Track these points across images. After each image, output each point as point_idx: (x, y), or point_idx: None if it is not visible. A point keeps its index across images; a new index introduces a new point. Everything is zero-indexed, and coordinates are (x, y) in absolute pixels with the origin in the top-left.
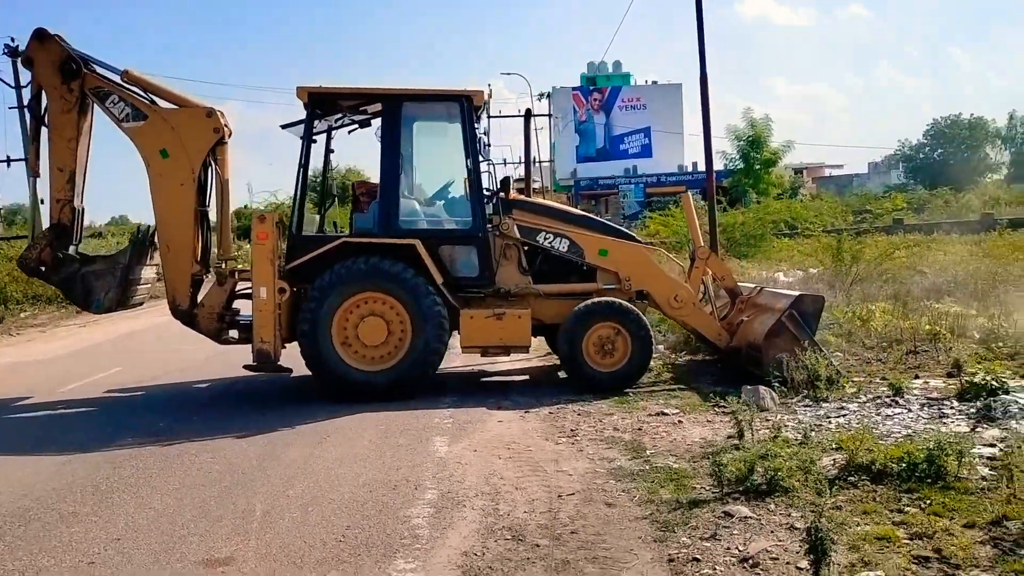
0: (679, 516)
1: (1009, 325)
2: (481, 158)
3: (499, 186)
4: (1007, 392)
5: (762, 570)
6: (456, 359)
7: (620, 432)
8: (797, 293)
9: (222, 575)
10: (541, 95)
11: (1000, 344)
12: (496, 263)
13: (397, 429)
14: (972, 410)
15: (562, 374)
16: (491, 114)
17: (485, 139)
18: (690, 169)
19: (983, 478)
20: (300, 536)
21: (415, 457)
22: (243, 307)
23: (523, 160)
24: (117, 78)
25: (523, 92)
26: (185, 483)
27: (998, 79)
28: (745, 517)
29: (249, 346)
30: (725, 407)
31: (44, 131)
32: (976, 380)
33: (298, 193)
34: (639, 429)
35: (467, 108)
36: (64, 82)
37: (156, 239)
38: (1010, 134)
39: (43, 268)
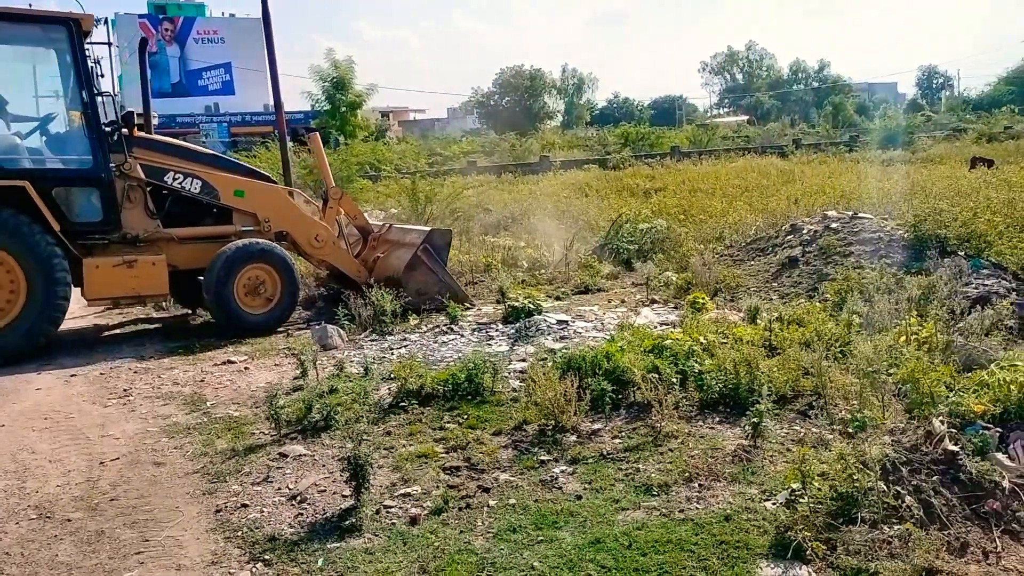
0: (232, 465)
1: (551, 254)
2: (96, 90)
3: (121, 121)
4: (540, 313)
5: (308, 504)
6: None
7: (180, 386)
8: (428, 228)
9: None
10: (100, 20)
11: (542, 271)
12: (120, 206)
13: None
14: (512, 330)
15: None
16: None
17: (99, 68)
18: (272, 108)
19: (514, 390)
20: None
21: None
22: None
23: (142, 95)
24: None
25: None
26: None
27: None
28: (299, 455)
29: None
30: (293, 350)
31: None
32: (516, 304)
33: None
34: (201, 381)
35: (76, 33)
36: None
37: None
38: (564, 85)
39: None
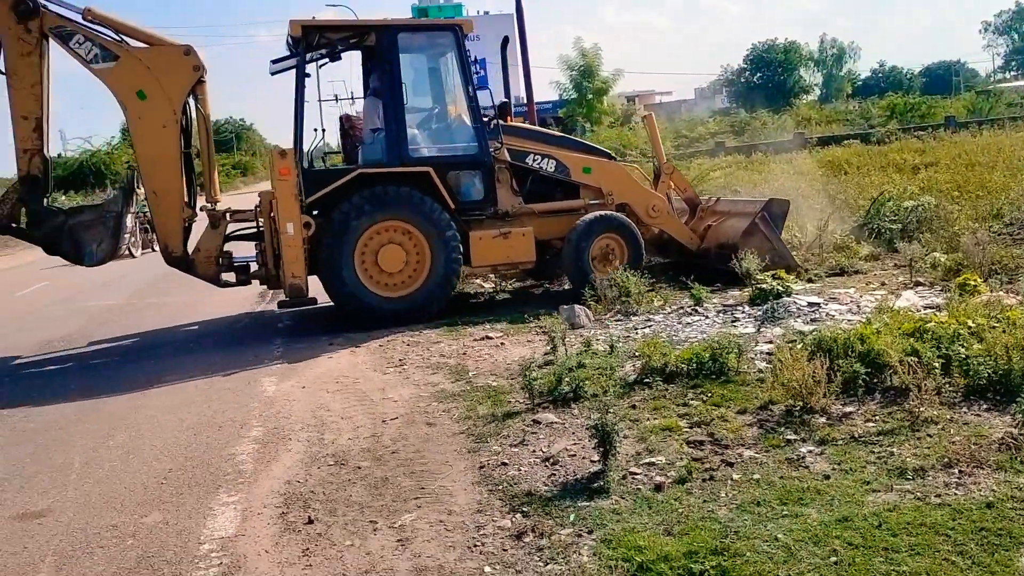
0: (493, 428)
1: (803, 235)
2: (476, 85)
3: (496, 112)
4: (789, 295)
5: (560, 466)
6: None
7: (446, 358)
8: (765, 199)
9: (39, 527)
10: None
11: (794, 252)
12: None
13: (225, 373)
14: (759, 312)
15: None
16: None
17: (476, 67)
18: (524, 100)
19: (759, 371)
20: (120, 483)
21: (242, 398)
22: (234, 249)
23: (504, 86)
24: (78, 17)
25: None
26: None
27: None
28: (551, 423)
29: (230, 288)
30: (543, 328)
31: None
32: (764, 286)
33: (299, 129)
34: (464, 354)
35: (460, 37)
36: (20, 22)
37: (138, 184)
38: (821, 57)
39: (13, 224)
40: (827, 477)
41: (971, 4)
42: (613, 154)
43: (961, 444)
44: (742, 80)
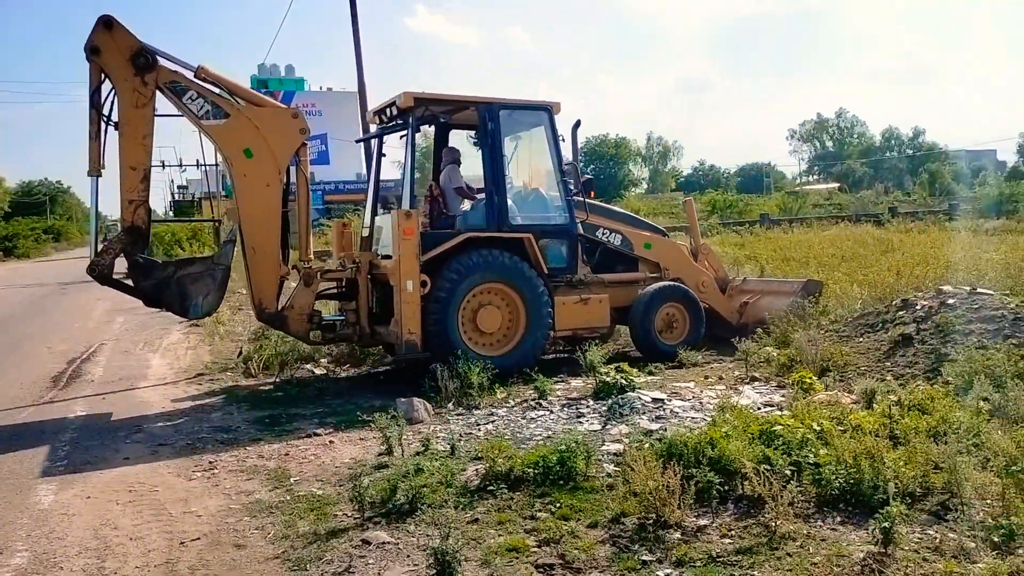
0: (314, 550)
1: None
2: (564, 161)
3: (582, 187)
4: (633, 389)
5: None
6: (87, 387)
7: (265, 459)
8: (803, 279)
9: None
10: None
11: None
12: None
13: None
14: (604, 408)
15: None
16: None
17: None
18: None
19: (608, 475)
20: None
21: (7, 513)
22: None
23: (572, 163)
24: (190, 74)
25: None
26: None
27: (639, 103)
28: (383, 543)
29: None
30: (374, 424)
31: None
32: (607, 379)
33: (412, 191)
34: (286, 455)
35: (552, 116)
36: (137, 75)
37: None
38: (648, 153)
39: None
40: None
41: (780, 113)
42: (664, 230)
43: (823, 566)
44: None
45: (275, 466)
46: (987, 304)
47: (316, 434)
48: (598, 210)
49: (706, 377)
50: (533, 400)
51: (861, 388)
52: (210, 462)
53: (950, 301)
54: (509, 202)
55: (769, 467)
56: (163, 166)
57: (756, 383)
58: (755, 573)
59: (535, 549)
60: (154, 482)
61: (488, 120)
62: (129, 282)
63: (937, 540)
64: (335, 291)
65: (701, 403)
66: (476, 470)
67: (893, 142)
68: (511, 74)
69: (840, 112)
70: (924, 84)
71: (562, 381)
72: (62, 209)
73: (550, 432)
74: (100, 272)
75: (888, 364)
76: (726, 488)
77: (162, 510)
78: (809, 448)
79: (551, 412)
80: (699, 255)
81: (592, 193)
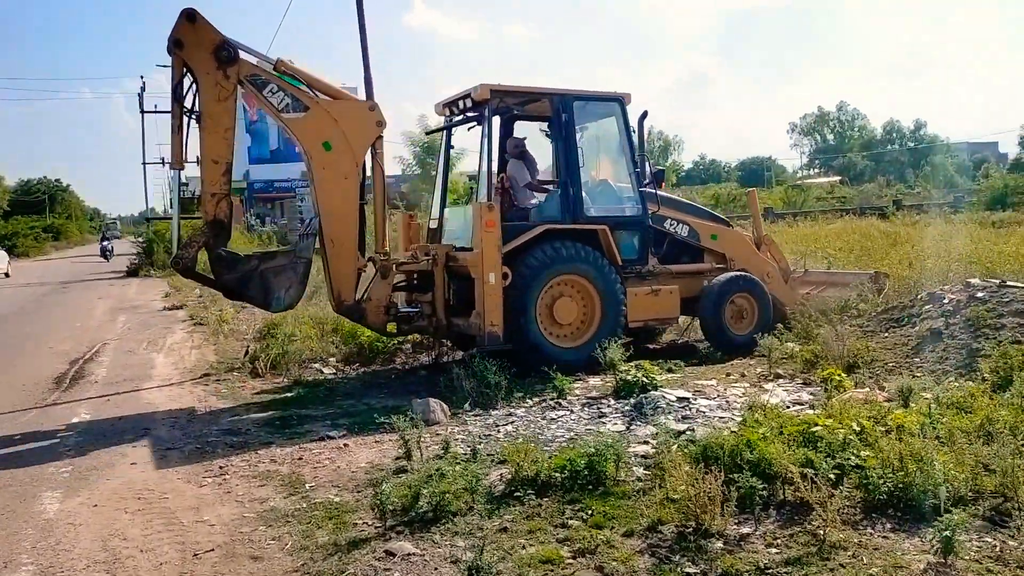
0: (336, 563)
1: None
2: (638, 152)
3: (654, 178)
4: (656, 388)
5: None
6: (90, 389)
7: (278, 464)
8: (871, 272)
9: None
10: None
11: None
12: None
13: None
14: (626, 407)
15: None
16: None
17: (635, 134)
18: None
19: (639, 479)
20: None
21: (12, 523)
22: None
23: (642, 154)
24: (270, 67)
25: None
26: None
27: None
28: (408, 554)
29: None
30: (393, 424)
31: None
32: (627, 378)
33: (490, 185)
34: (299, 459)
35: (624, 107)
36: (220, 68)
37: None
38: (649, 148)
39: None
40: None
41: (780, 106)
42: (729, 221)
43: None
44: None
45: (288, 471)
46: (1018, 297)
47: (330, 436)
48: (667, 201)
49: (728, 374)
50: (552, 399)
51: (896, 386)
52: (221, 467)
53: (979, 294)
54: (583, 194)
55: (813, 471)
56: (163, 163)
57: (780, 380)
58: None
59: (570, 560)
60: (163, 489)
61: (562, 111)
62: (211, 275)
63: (998, 548)
64: (404, 283)
65: (728, 402)
66: (500, 475)
67: (894, 135)
68: (511, 70)
69: (841, 105)
70: (925, 77)
71: (580, 379)
72: (61, 208)
73: (572, 433)
74: (184, 265)
75: (917, 360)
76: (768, 494)
77: (173, 519)
78: (851, 450)
79: (571, 412)
80: (762, 246)
81: (662, 184)
